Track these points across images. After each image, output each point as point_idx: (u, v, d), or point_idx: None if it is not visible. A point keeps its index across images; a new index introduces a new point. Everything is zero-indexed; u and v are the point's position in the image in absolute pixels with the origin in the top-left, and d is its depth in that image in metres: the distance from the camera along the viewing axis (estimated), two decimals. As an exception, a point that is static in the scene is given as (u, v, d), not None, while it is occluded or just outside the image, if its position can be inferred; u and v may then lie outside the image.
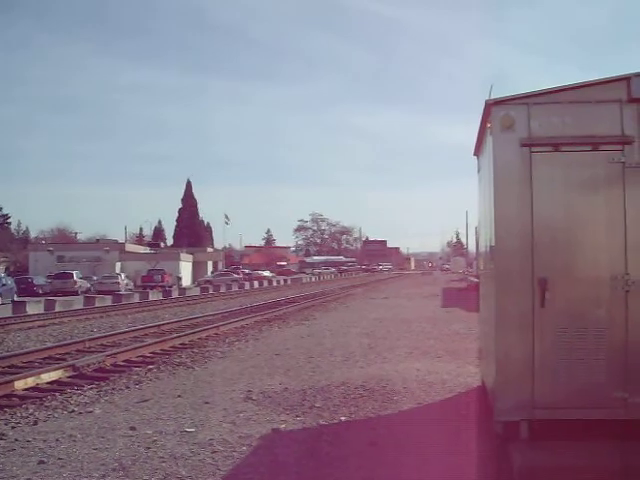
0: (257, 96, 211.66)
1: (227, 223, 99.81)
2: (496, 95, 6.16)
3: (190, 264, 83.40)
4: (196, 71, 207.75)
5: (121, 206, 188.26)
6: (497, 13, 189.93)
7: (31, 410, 8.54)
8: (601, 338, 5.75)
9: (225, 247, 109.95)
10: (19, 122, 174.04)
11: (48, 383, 10.51)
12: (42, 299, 33.47)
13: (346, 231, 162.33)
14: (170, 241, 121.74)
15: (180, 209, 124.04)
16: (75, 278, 51.53)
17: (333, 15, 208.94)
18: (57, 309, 29.41)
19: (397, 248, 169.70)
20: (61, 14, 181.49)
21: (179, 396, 9.15)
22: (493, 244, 6.17)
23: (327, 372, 10.82)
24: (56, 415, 8.26)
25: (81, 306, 31.80)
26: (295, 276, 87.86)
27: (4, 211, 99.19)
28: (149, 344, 14.94)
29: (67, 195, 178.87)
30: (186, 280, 75.58)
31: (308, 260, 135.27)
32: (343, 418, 7.69)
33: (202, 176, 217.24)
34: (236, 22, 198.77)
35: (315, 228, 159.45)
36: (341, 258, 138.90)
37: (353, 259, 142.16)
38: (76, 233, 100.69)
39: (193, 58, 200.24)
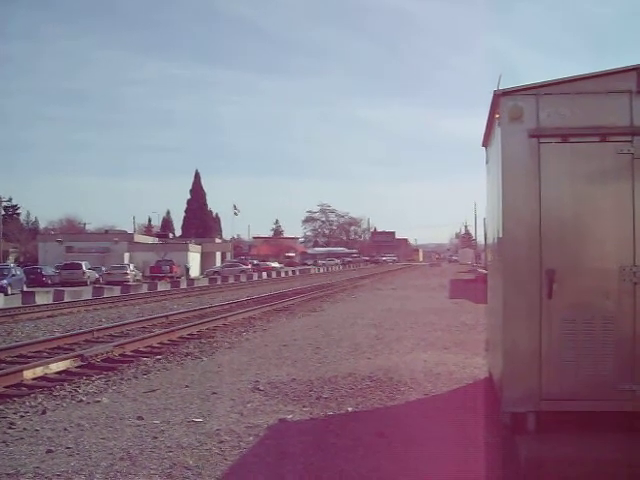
0: (267, 88, 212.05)
1: (236, 214, 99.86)
2: (505, 86, 6.13)
3: (198, 255, 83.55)
4: (205, 63, 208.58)
5: (130, 197, 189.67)
6: (505, 7, 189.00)
7: (40, 399, 8.59)
8: (609, 330, 5.73)
9: (233, 238, 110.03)
10: (27, 114, 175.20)
11: (57, 373, 10.56)
12: (51, 289, 33.66)
13: (354, 222, 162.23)
14: (179, 232, 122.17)
15: (189, 200, 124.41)
16: (84, 269, 51.74)
17: (343, 8, 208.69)
18: (66, 299, 29.56)
19: (405, 239, 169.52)
20: (68, 6, 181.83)
21: (187, 386, 9.18)
22: (501, 235, 6.15)
23: (334, 363, 10.83)
24: (64, 405, 8.30)
25: (90, 296, 31.90)
26: (303, 267, 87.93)
27: (13, 202, 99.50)
28: (157, 334, 15.00)
29: (76, 186, 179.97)
30: (194, 271, 75.75)
31: (310, 251, 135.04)
32: (350, 409, 7.70)
33: (211, 167, 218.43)
34: (246, 14, 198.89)
35: (324, 219, 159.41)
36: (344, 249, 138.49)
37: (355, 250, 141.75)
38: (85, 224, 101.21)
39: (202, 50, 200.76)
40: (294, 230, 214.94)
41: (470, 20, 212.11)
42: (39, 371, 10.31)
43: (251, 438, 6.52)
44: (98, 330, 16.15)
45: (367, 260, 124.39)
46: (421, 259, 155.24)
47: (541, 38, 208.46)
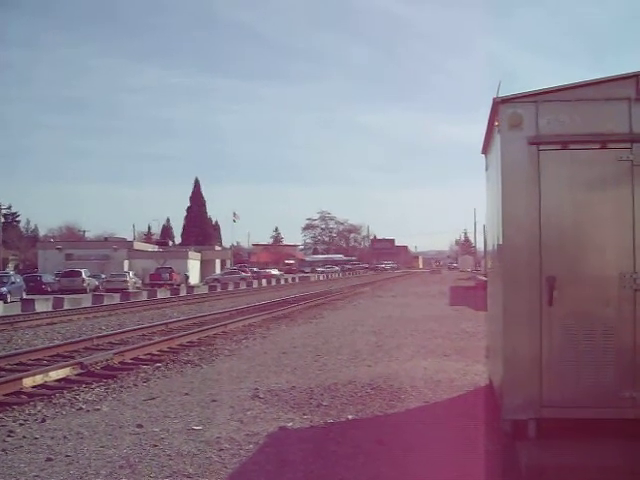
0: (266, 95, 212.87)
1: (235, 221, 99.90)
2: (504, 93, 6.15)
3: (198, 262, 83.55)
4: (204, 70, 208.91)
5: (129, 205, 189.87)
6: (503, 11, 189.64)
7: (39, 407, 8.56)
8: (609, 337, 5.72)
9: (233, 245, 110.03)
10: (27, 121, 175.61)
11: (56, 381, 10.53)
12: (51, 297, 33.61)
13: (354, 229, 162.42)
14: (178, 239, 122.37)
15: (188, 207, 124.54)
16: (83, 276, 51.77)
17: (340, 13, 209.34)
18: (65, 307, 29.53)
19: (405, 247, 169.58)
20: (68, 13, 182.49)
21: (186, 394, 9.16)
22: (501, 242, 6.15)
23: (334, 370, 10.80)
24: (64, 412, 8.27)
25: (89, 304, 31.86)
26: (303, 275, 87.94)
27: (13, 209, 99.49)
28: (157, 342, 14.97)
29: (75, 194, 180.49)
30: (194, 278, 75.73)
31: (308, 259, 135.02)
32: (350, 416, 7.68)
33: (211, 175, 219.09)
34: (245, 19, 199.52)
35: (323, 226, 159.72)
36: (341, 257, 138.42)
37: (353, 257, 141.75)
38: (84, 231, 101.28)
39: (201, 56, 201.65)
40: (294, 237, 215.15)
41: (468, 25, 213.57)
42: (39, 379, 10.28)
43: (251, 446, 6.51)
44: (98, 338, 16.12)
45: (366, 267, 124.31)
46: (421, 266, 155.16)
47: (539, 42, 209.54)
